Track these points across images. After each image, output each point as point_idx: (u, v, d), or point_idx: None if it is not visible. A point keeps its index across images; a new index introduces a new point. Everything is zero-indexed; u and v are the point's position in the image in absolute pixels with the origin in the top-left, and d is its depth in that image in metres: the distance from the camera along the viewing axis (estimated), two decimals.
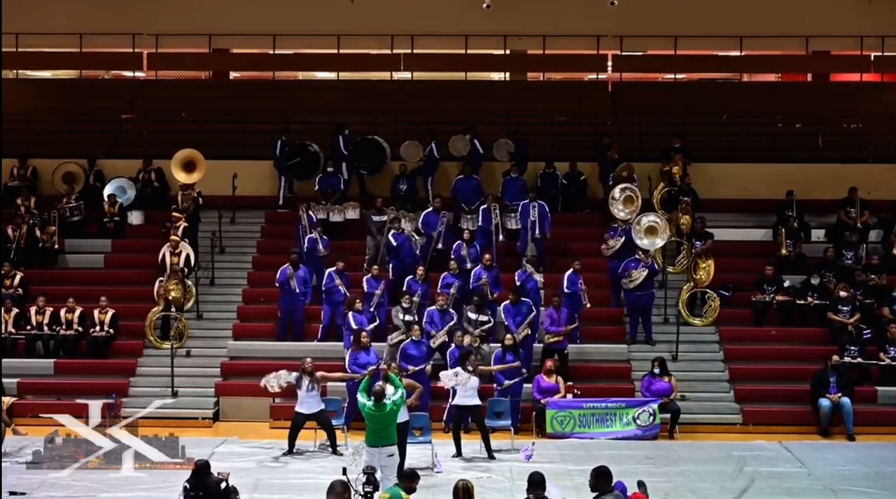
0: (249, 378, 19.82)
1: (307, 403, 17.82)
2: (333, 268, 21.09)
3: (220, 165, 23.83)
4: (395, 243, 21.72)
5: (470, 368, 17.83)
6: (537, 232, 22.35)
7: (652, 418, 19.13)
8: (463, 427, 18.13)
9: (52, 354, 20.92)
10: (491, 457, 17.57)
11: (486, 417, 18.24)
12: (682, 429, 19.34)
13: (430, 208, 22.70)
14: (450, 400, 18.57)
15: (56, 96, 28.34)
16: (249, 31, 27.52)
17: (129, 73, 29.73)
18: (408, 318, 20.08)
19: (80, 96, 28.21)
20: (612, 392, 19.87)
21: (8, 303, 21.11)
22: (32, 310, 21.11)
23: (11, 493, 15.12)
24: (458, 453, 17.70)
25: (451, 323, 20.08)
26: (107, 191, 24.23)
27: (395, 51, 27.87)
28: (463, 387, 17.69)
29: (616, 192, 22.17)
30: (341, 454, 17.60)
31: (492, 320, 20.32)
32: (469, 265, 21.35)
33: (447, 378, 17.90)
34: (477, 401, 17.89)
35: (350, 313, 20.09)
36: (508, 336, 19.40)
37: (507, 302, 20.42)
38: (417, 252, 21.89)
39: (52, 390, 20.23)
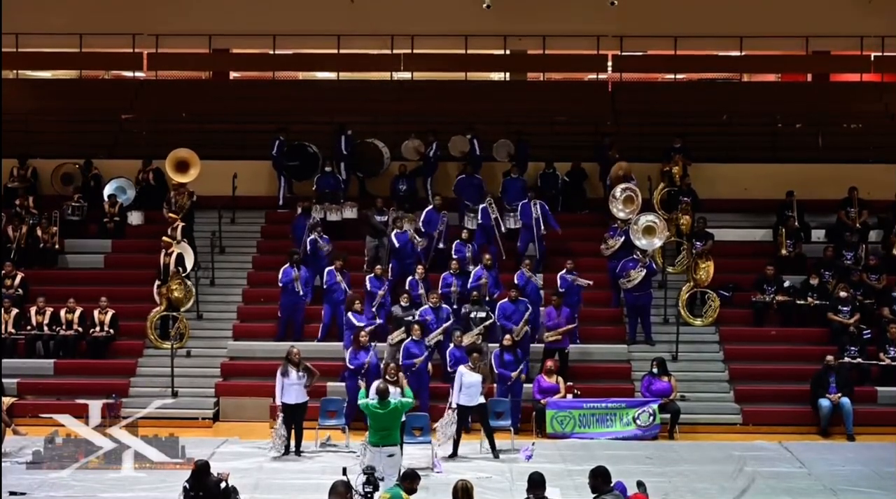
0: (249, 378, 19.79)
1: (292, 392, 17.58)
2: (333, 267, 21.08)
3: (219, 164, 23.85)
4: (397, 244, 21.71)
5: (471, 365, 17.76)
6: (542, 229, 22.24)
7: (652, 418, 19.12)
8: (465, 428, 18.01)
9: (52, 355, 20.91)
10: (496, 456, 17.50)
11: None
12: (682, 429, 19.33)
13: (431, 207, 22.69)
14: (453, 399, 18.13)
15: (56, 96, 28.31)
16: (249, 31, 27.49)
17: (129, 73, 29.70)
18: (407, 317, 20.04)
19: (80, 96, 28.19)
20: (612, 392, 19.86)
21: (7, 303, 21.10)
22: (32, 310, 21.10)
23: (11, 493, 15.12)
24: (455, 454, 17.58)
25: (449, 322, 20.03)
26: (107, 191, 24.23)
27: (395, 51, 27.83)
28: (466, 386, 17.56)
29: (617, 191, 22.16)
30: (300, 455, 17.50)
31: (492, 317, 20.18)
32: (470, 266, 21.33)
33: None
34: (480, 400, 17.72)
35: (350, 313, 20.09)
36: (507, 336, 19.34)
37: (504, 301, 20.36)
38: (419, 252, 21.88)
39: (52, 390, 20.21)
